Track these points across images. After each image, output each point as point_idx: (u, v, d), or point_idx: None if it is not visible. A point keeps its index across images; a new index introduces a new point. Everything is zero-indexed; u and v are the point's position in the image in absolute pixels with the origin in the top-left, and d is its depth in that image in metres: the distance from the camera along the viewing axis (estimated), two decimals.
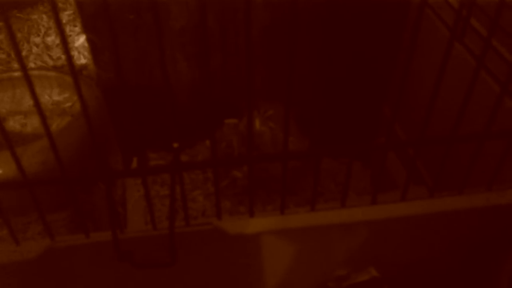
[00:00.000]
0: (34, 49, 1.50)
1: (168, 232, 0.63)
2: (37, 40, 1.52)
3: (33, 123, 1.28)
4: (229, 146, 0.98)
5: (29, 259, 0.61)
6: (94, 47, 0.87)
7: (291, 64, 0.54)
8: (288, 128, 0.63)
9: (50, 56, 1.48)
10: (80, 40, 1.53)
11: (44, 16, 1.59)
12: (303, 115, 0.96)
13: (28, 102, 1.34)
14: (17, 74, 1.31)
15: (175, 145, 0.58)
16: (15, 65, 1.46)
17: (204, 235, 0.65)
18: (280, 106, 1.00)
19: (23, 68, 0.51)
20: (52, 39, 1.53)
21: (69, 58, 0.50)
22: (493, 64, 0.86)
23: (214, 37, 0.90)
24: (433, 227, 0.70)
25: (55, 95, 1.33)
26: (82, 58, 1.48)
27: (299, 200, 1.01)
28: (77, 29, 1.56)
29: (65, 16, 1.59)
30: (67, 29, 1.55)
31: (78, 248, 0.63)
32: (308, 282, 0.76)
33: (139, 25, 0.86)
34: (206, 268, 0.68)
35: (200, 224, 0.65)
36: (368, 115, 1.10)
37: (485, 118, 0.63)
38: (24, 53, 1.49)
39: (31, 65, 1.46)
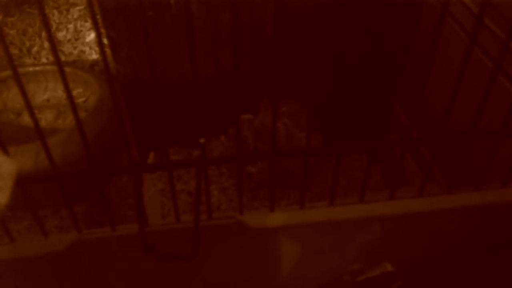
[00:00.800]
0: (46, 44, 1.51)
1: (191, 225, 0.64)
2: None
3: (47, 118, 1.30)
4: (244, 141, 0.99)
5: (57, 251, 0.62)
6: (113, 43, 0.88)
7: (310, 61, 0.55)
8: (308, 125, 0.64)
9: (62, 51, 1.49)
10: (91, 36, 1.54)
11: (55, 12, 1.60)
12: (316, 111, 0.97)
13: (41, 97, 1.36)
14: (30, 69, 1.32)
15: (202, 140, 0.60)
16: (27, 61, 1.47)
17: (226, 229, 0.66)
18: (294, 103, 1.01)
19: (58, 62, 0.52)
20: (64, 34, 1.54)
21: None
22: (509, 65, 0.87)
23: (230, 33, 0.91)
24: (449, 223, 0.72)
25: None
26: (93, 53, 1.49)
27: (312, 196, 1.03)
28: (88, 24, 1.57)
29: (76, 12, 1.61)
30: (78, 24, 1.57)
31: (104, 241, 0.65)
32: (324, 275, 0.77)
33: (158, 21, 0.87)
34: (228, 260, 0.69)
35: (223, 218, 0.67)
36: (380, 112, 1.11)
37: (498, 117, 0.64)
38: (36, 48, 1.50)
39: (44, 60, 1.47)
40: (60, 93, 1.33)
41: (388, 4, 0.92)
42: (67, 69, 1.29)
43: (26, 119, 1.29)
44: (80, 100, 1.31)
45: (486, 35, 0.90)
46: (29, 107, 0.54)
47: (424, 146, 1.09)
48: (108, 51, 0.96)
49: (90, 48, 1.51)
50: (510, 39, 0.60)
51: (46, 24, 0.48)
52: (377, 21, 0.94)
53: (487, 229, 0.73)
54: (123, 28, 0.87)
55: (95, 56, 1.48)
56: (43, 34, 1.55)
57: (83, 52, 1.49)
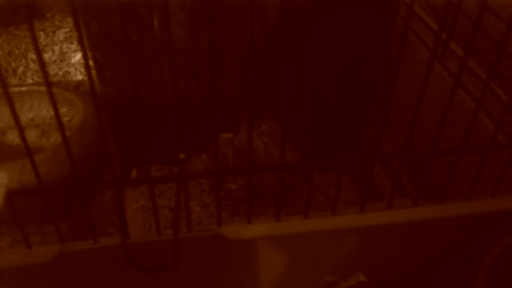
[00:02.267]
0: (32, 65, 1.54)
1: (171, 238, 0.67)
2: (34, 56, 1.57)
3: (31, 136, 1.32)
4: (224, 159, 1.03)
5: (41, 263, 0.64)
6: (98, 64, 0.92)
7: (286, 80, 0.60)
8: (282, 141, 0.68)
9: (47, 72, 1.52)
10: (77, 57, 1.58)
11: (42, 34, 1.64)
12: (294, 130, 1.02)
13: (26, 116, 1.38)
14: (16, 89, 1.35)
15: (182, 155, 0.63)
16: (13, 81, 1.50)
17: (205, 240, 0.69)
18: (273, 121, 1.06)
19: (47, 82, 0.56)
20: (49, 55, 1.57)
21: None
22: (470, 83, 0.94)
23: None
24: (417, 234, 0.76)
25: (53, 110, 1.38)
26: (78, 74, 1.52)
27: (290, 211, 1.06)
28: (74, 46, 1.61)
29: (62, 34, 1.64)
30: (64, 46, 1.60)
31: (87, 253, 0.67)
32: (301, 285, 0.80)
33: (142, 44, 0.91)
34: (207, 272, 0.72)
35: (202, 230, 0.70)
36: (355, 131, 1.16)
37: (462, 133, 0.69)
38: (21, 69, 1.53)
39: (29, 80, 1.50)
40: (45, 112, 1.35)
41: (361, 21, 0.98)
42: (54, 90, 1.32)
43: (9, 137, 1.31)
44: (65, 119, 1.34)
45: (448, 55, 0.97)
46: (18, 124, 0.57)
47: (396, 163, 1.14)
48: (93, 72, 0.99)
49: (76, 69, 1.54)
50: (467, 56, 0.66)
51: (35, 45, 0.52)
52: (352, 38, 1.00)
53: (454, 240, 0.78)
54: (109, 50, 0.90)
55: (80, 77, 1.52)
56: (29, 55, 1.58)
57: (68, 73, 1.52)
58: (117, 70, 0.92)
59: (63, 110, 1.35)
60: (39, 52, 0.52)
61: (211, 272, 0.73)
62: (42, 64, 0.53)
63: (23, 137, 0.59)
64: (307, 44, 0.98)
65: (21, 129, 0.59)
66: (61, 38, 1.62)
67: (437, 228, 0.76)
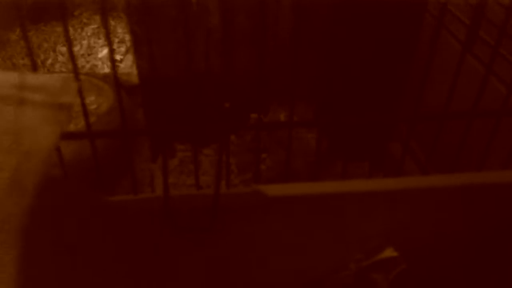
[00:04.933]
0: (60, 58, 1.57)
1: (211, 193, 0.68)
2: (63, 49, 1.60)
3: None
4: (254, 139, 1.04)
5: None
6: (136, 38, 0.94)
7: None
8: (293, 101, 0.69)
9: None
10: (104, 52, 1.61)
11: (71, 29, 1.68)
12: (323, 115, 1.02)
13: None
14: None
15: (227, 104, 0.64)
16: (41, 72, 1.53)
17: (244, 198, 0.70)
18: (302, 103, 1.07)
19: (75, 71, 0.57)
20: (77, 49, 1.60)
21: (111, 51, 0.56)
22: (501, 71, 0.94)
23: (245, 34, 0.98)
24: (453, 201, 0.75)
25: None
26: (105, 67, 1.55)
27: None
28: (101, 41, 1.64)
29: (90, 30, 1.68)
30: (92, 41, 1.64)
31: (127, 204, 0.68)
32: (332, 254, 0.80)
33: (180, 20, 0.94)
34: (245, 230, 0.72)
35: (241, 188, 0.70)
36: (383, 124, 1.17)
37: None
38: (50, 61, 1.56)
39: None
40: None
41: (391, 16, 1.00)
42: (82, 77, 1.35)
43: None
44: (93, 107, 1.36)
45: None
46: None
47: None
48: (130, 47, 1.00)
49: (102, 63, 1.57)
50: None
51: (67, 37, 0.54)
52: (382, 30, 1.01)
53: (494, 212, 0.77)
54: (147, 23, 0.93)
55: (106, 70, 1.55)
56: (57, 48, 1.61)
57: (96, 66, 1.55)
58: (155, 44, 0.94)
59: (90, 98, 1.37)
60: (69, 42, 0.54)
61: (250, 230, 0.72)
62: (71, 52, 0.55)
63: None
64: (343, 29, 0.99)
65: None
66: (89, 34, 1.66)
67: (474, 197, 0.75)
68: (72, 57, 0.60)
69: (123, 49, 1.61)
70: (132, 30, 0.93)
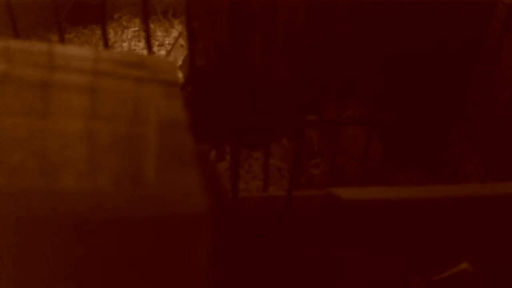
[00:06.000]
0: None
1: (282, 195, 0.63)
2: None
3: None
4: (308, 142, 0.99)
5: None
6: (191, 34, 0.91)
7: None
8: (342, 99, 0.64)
9: None
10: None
11: (111, 31, 1.67)
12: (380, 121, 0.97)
13: None
14: None
15: (306, 98, 0.60)
16: None
17: (317, 200, 0.65)
18: (360, 107, 1.02)
19: None
20: (118, 51, 1.59)
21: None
22: None
23: (304, 34, 0.94)
24: None
25: None
26: None
27: None
28: (141, 44, 1.62)
29: (130, 33, 1.67)
30: (132, 43, 1.62)
31: None
32: (405, 265, 0.74)
33: (237, 17, 0.90)
34: (316, 233, 0.67)
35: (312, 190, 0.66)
36: (441, 131, 1.12)
37: None
38: None
39: None
40: None
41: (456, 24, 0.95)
42: None
43: None
44: None
45: None
46: None
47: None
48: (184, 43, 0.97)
49: None
50: None
51: (105, 39, 0.50)
52: (446, 34, 0.97)
53: None
54: (204, 19, 0.90)
55: None
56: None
57: None
58: (210, 39, 0.91)
59: None
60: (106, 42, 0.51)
61: (321, 233, 0.68)
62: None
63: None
64: (402, 32, 0.95)
65: None
66: (129, 36, 1.64)
67: None
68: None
69: (163, 52, 1.59)
70: (188, 26, 0.90)
